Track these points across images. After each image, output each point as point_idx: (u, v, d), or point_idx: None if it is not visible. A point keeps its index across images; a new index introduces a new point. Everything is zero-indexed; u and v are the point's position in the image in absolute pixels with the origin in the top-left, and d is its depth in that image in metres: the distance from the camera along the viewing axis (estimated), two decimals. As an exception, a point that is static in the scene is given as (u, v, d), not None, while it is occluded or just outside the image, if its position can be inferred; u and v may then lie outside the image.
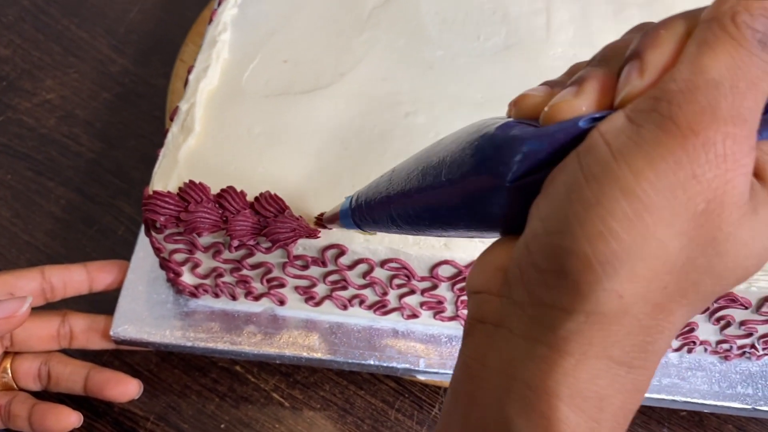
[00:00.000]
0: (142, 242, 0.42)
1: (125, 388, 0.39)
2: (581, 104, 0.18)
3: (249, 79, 0.40)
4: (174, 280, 0.39)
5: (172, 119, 0.38)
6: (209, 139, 0.37)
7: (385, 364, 0.40)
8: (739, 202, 0.16)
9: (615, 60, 0.19)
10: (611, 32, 0.45)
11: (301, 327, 0.41)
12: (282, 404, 0.43)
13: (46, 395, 0.40)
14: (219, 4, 0.44)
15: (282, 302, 0.40)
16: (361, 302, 0.39)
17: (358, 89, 0.40)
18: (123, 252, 0.43)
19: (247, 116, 0.39)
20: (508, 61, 0.43)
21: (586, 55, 0.44)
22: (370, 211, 0.25)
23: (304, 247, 0.35)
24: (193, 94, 0.39)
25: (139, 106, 0.54)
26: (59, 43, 0.56)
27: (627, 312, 0.17)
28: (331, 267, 0.36)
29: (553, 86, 0.20)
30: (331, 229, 0.33)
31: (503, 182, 0.19)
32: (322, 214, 0.34)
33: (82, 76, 0.55)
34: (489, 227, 0.21)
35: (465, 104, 0.40)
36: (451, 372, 0.40)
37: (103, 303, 0.42)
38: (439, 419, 0.22)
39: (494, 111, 0.42)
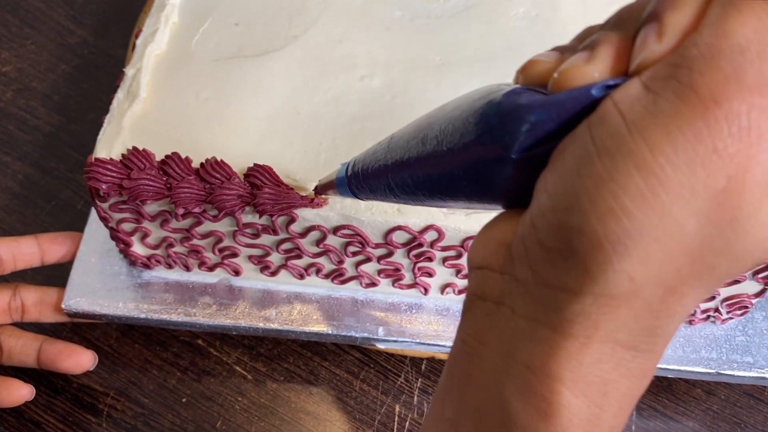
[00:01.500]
0: (96, 214, 0.41)
1: (78, 359, 0.38)
2: (593, 70, 0.17)
3: (198, 43, 0.39)
4: (125, 251, 0.38)
5: (117, 86, 0.37)
6: (156, 105, 0.36)
7: (343, 333, 0.39)
8: (762, 181, 0.15)
9: (631, 23, 0.17)
10: (577, -9, 0.44)
11: (257, 297, 0.40)
12: (245, 377, 0.42)
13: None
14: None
15: (237, 272, 0.39)
16: (318, 271, 0.38)
17: (312, 52, 0.39)
18: (82, 227, 0.42)
19: (196, 81, 0.37)
20: (468, 22, 0.41)
21: (549, 14, 0.43)
22: (366, 179, 0.24)
23: (252, 214, 0.34)
24: (140, 59, 0.37)
25: (98, 78, 0.52)
26: (15, 13, 0.55)
27: (637, 295, 0.16)
28: (282, 235, 0.35)
29: (564, 52, 0.19)
30: (326, 197, 0.32)
31: (508, 154, 0.17)
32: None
33: (39, 48, 0.53)
34: (491, 200, 0.19)
35: (423, 67, 0.39)
36: (410, 340, 0.39)
37: (57, 276, 0.41)
38: (433, 396, 0.21)
39: (453, 73, 0.41)
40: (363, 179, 0.24)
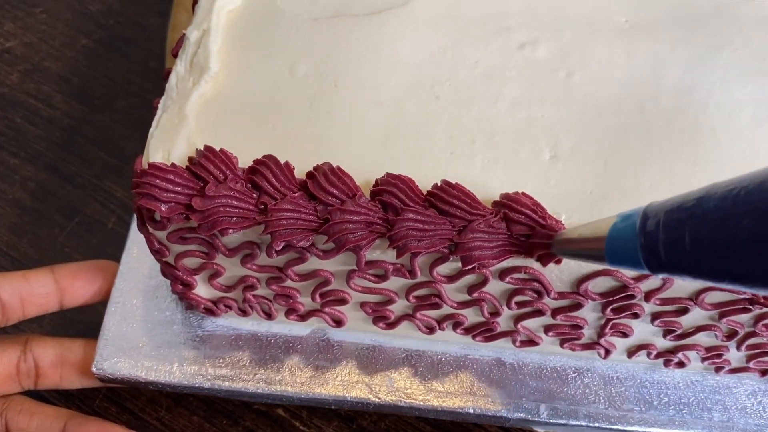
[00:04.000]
0: (137, 235, 0.30)
1: (117, 447, 0.27)
2: None
3: (287, -3, 0.27)
4: (183, 294, 0.27)
5: (175, 55, 0.26)
6: (232, 83, 0.25)
7: (489, 413, 0.28)
8: None
9: None
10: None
11: (365, 357, 0.29)
12: (340, 461, 0.31)
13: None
14: None
15: (339, 323, 0.28)
16: (457, 325, 0.27)
17: (448, 10, 0.27)
18: (116, 252, 0.30)
19: (287, 49, 0.26)
20: (660, -30, 0.29)
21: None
22: (701, 241, 0.15)
23: (382, 249, 0.23)
24: (207, 17, 0.26)
25: (129, 54, 0.41)
26: (22, -28, 0.43)
27: None
28: (422, 278, 0.24)
29: None
30: (560, 259, 0.21)
31: None
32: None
33: (53, 18, 0.42)
34: None
35: (604, 31, 0.28)
36: (586, 424, 0.28)
37: (85, 322, 0.30)
38: None
39: (647, 41, 0.28)
40: (694, 239, 0.15)
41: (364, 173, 0.23)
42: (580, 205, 0.23)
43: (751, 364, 0.28)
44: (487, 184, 0.24)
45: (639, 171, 0.24)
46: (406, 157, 0.24)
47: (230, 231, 0.22)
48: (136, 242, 0.30)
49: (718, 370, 0.29)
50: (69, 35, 0.41)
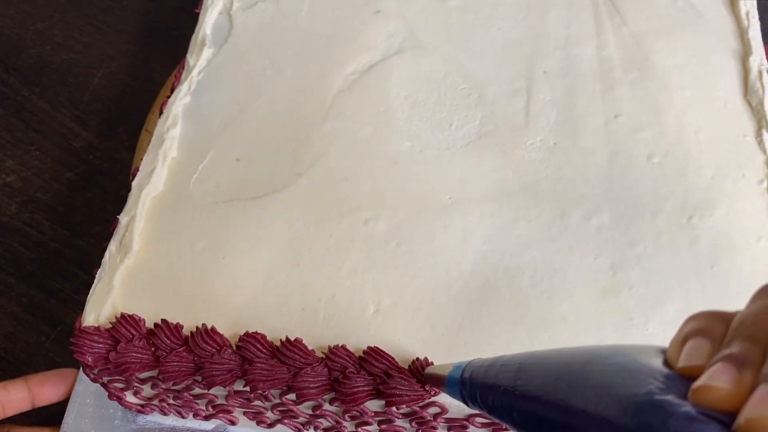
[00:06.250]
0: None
1: None
2: None
3: (197, 182, 0.38)
4: (119, 402, 0.37)
5: (112, 232, 0.36)
6: (149, 258, 0.35)
7: (344, 494, 0.37)
8: None
9: None
10: (598, 115, 0.41)
11: (255, 448, 0.38)
12: None
13: None
14: (172, 91, 0.41)
15: (233, 423, 0.38)
16: (316, 428, 0.36)
17: (315, 192, 0.37)
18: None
19: (192, 228, 0.36)
20: (481, 153, 0.39)
21: (568, 143, 0.40)
22: (485, 398, 0.23)
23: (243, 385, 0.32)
24: (135, 205, 0.36)
25: (104, 185, 0.51)
26: (19, 116, 0.54)
27: None
28: (278, 400, 0.33)
29: (741, 366, 0.16)
30: (428, 387, 0.31)
31: None
32: (418, 366, 0.31)
33: (44, 154, 0.52)
34: None
35: (430, 207, 0.37)
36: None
37: (58, 414, 0.40)
38: None
39: (462, 215, 0.38)
40: (480, 396, 0.23)
41: (237, 327, 0.33)
42: (391, 351, 0.32)
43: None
44: (325, 335, 0.33)
45: (437, 322, 0.33)
46: (268, 314, 0.33)
47: (135, 374, 0.31)
48: (93, 352, 0.40)
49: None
50: (57, 170, 0.52)
